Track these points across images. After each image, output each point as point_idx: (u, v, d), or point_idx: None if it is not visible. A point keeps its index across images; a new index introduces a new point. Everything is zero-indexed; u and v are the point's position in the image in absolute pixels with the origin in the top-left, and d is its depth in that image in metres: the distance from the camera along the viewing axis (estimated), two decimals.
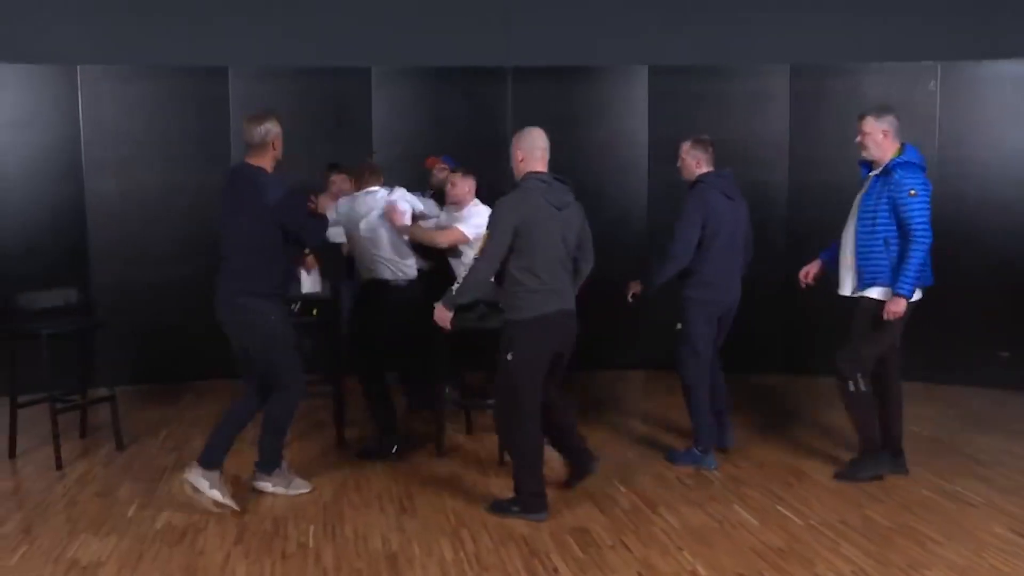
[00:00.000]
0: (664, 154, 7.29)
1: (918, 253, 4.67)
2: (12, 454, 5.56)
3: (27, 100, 6.98)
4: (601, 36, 7.80)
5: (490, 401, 4.95)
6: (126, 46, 7.39)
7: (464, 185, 5.75)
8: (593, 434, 5.87)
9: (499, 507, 4.58)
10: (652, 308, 7.27)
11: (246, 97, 7.32)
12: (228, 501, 4.62)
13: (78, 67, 7.06)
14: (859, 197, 4.97)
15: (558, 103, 7.51)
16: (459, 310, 4.63)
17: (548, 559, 4.05)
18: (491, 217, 4.43)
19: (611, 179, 7.53)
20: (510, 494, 4.61)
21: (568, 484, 4.87)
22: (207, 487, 4.59)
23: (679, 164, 5.33)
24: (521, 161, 4.45)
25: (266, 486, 4.86)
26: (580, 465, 4.82)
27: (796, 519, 4.47)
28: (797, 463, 5.32)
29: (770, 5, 7.80)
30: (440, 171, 6.44)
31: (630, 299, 5.35)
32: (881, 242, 4.78)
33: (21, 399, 5.51)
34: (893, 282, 4.72)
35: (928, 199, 4.73)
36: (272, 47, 7.56)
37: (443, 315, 4.49)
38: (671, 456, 5.39)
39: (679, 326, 5.24)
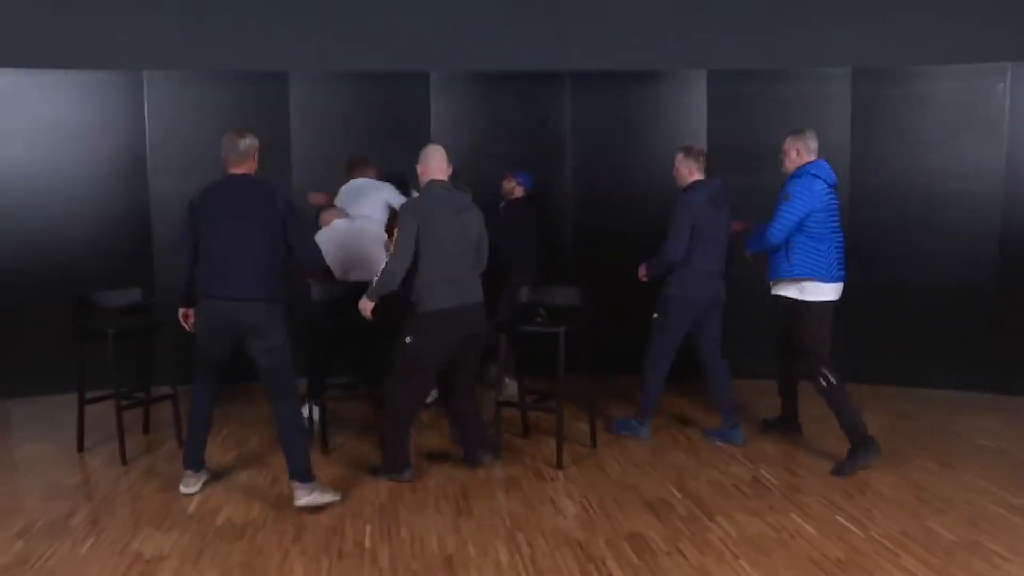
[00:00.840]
0: (723, 159, 7.26)
1: (762, 243, 5.47)
2: (80, 448, 5.72)
3: (95, 105, 7.15)
4: (659, 40, 7.76)
5: (550, 404, 5.15)
6: (190, 52, 7.53)
7: None
8: (650, 439, 5.86)
9: (373, 470, 5.17)
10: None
11: (306, 102, 7.43)
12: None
13: (144, 73, 7.23)
14: None
15: (616, 107, 7.49)
16: (521, 317, 5.06)
17: (603, 564, 4.04)
18: (398, 220, 4.99)
19: (669, 184, 7.44)
20: (565, 496, 4.64)
21: (464, 462, 5.35)
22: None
23: (673, 172, 5.81)
24: (422, 174, 5.11)
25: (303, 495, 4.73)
26: (469, 451, 5.33)
27: (856, 530, 4.40)
28: (857, 472, 5.23)
29: (831, 7, 7.68)
30: (507, 182, 6.93)
31: (642, 278, 5.86)
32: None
33: (89, 395, 5.66)
34: (786, 273, 5.43)
35: (800, 208, 5.35)
36: (332, 52, 7.64)
37: (366, 306, 5.03)
38: (615, 424, 6.00)
39: (655, 316, 5.77)
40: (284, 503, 4.79)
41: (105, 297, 5.79)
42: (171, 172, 7.16)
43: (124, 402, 5.61)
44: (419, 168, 5.16)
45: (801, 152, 5.55)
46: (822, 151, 6.45)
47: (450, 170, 5.16)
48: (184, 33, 7.55)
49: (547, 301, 5.92)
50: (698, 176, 5.74)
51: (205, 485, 5.05)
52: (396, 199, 6.51)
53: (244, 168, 4.80)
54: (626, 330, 7.30)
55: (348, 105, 7.48)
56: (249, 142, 4.80)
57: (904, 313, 7.19)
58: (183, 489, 4.95)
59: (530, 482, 5.12)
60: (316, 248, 4.98)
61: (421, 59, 7.60)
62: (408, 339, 4.94)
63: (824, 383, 5.29)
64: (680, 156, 5.76)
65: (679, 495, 4.90)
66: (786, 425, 5.95)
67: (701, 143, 7.34)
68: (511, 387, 6.37)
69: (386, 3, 7.74)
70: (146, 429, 6.07)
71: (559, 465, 5.32)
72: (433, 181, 5.08)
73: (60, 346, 6.32)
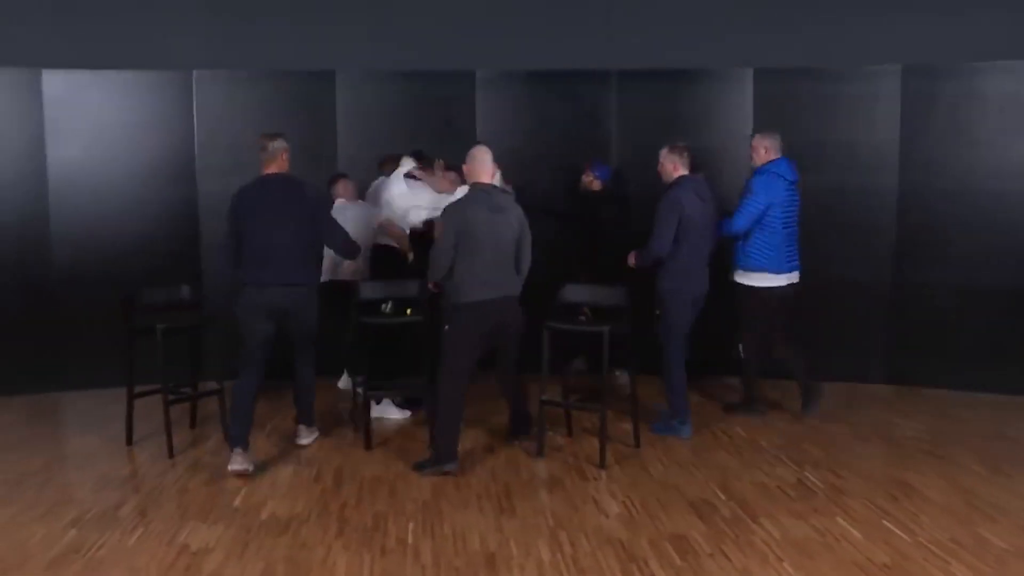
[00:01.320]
0: None
1: (727, 232, 6.05)
2: (129, 441, 5.81)
3: (147, 105, 7.26)
4: (705, 38, 7.70)
5: (594, 403, 5.19)
6: (237, 52, 7.62)
7: (445, 180, 6.40)
8: (693, 439, 5.82)
9: (419, 467, 5.25)
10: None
11: (353, 100, 7.47)
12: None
13: (193, 72, 7.33)
14: None
15: (662, 106, 7.44)
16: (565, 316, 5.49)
17: (646, 565, 4.02)
18: (442, 218, 5.34)
19: (715, 183, 7.40)
20: (608, 495, 4.65)
21: (508, 438, 5.72)
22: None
23: (659, 168, 5.95)
24: (468, 174, 5.34)
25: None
26: (515, 425, 5.72)
27: (903, 535, 4.34)
28: (903, 476, 5.16)
29: (880, 4, 7.57)
30: (586, 175, 7.17)
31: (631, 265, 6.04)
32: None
33: (137, 390, 5.76)
34: (742, 264, 6.11)
35: (762, 201, 5.98)
36: (378, 51, 7.69)
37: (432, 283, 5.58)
38: (654, 426, 5.97)
39: (658, 312, 5.88)
40: (329, 498, 4.85)
41: (149, 294, 5.89)
42: (218, 171, 7.23)
43: (171, 397, 5.70)
44: (465, 168, 5.38)
45: (768, 150, 6.07)
46: (870, 149, 6.46)
47: (496, 171, 5.32)
48: (232, 33, 7.65)
49: (591, 300, 5.93)
50: (683, 171, 5.86)
51: (251, 474, 5.15)
52: (400, 189, 6.38)
53: (275, 167, 5.35)
54: None
55: (394, 103, 7.51)
56: (277, 144, 5.35)
57: (954, 315, 7.06)
58: (233, 467, 5.17)
59: (573, 481, 5.11)
60: (345, 236, 5.50)
61: (467, 57, 7.62)
62: (446, 328, 5.28)
63: (742, 354, 6.14)
64: (664, 152, 5.91)
65: (723, 496, 4.86)
66: (748, 406, 6.39)
67: (745, 141, 7.29)
68: (622, 378, 6.53)
69: (432, 2, 7.77)
70: (192, 423, 6.16)
71: (602, 464, 5.31)
72: (476, 184, 5.29)
73: (111, 341, 6.43)
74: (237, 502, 4.81)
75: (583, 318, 5.56)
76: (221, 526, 4.49)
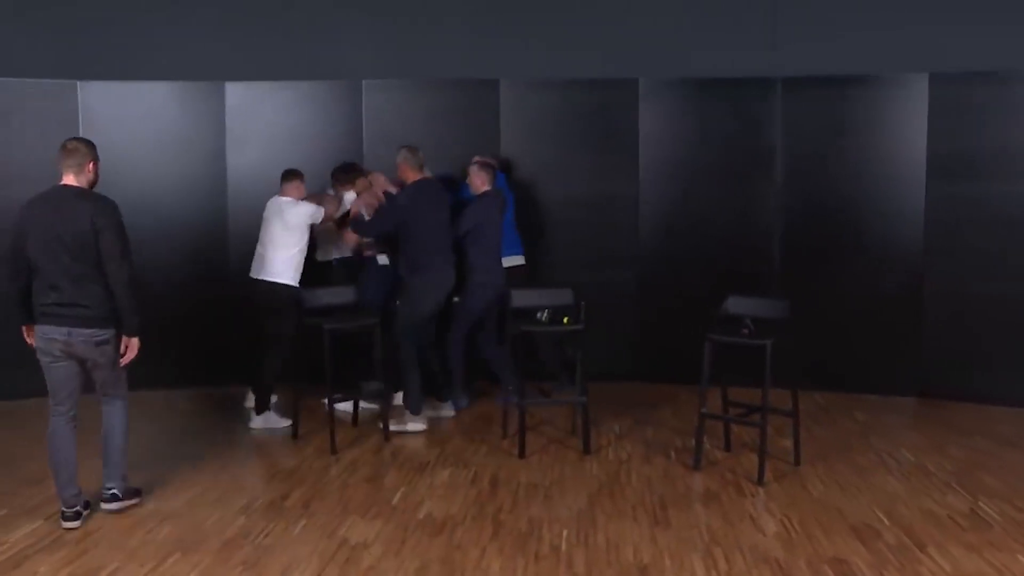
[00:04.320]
0: (945, 168, 6.87)
1: None
2: (295, 435, 6.08)
3: (317, 113, 7.57)
4: (875, 43, 7.37)
5: (754, 417, 5.07)
6: (404, 61, 7.85)
7: (476, 178, 6.59)
8: (856, 460, 5.60)
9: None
10: (934, 334, 6.90)
11: (516, 108, 7.56)
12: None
13: (363, 82, 7.59)
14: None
15: (829, 114, 7.19)
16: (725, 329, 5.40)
17: None
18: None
19: (884, 193, 7.13)
20: (765, 512, 4.58)
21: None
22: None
23: (467, 181, 6.55)
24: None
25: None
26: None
27: None
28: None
29: None
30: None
31: None
32: None
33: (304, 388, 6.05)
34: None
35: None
36: (542, 59, 7.76)
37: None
38: None
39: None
40: (485, 501, 4.92)
41: (316, 296, 6.13)
42: (386, 174, 7.43)
43: (336, 396, 5.92)
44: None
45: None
46: None
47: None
48: (399, 43, 7.88)
49: (753, 312, 5.78)
50: (488, 187, 6.48)
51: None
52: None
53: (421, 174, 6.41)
54: (835, 345, 7.07)
55: (557, 111, 7.56)
56: (420, 154, 6.46)
57: (987, 325, 6.72)
58: (412, 427, 6.12)
59: (730, 496, 5.01)
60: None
61: (630, 65, 7.59)
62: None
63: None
64: (474, 168, 6.54)
65: (887, 522, 4.65)
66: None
67: (919, 150, 6.96)
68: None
69: (595, 10, 7.78)
70: (355, 421, 6.37)
71: (760, 481, 5.18)
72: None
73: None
74: (396, 500, 4.95)
75: (746, 331, 5.43)
76: (380, 522, 4.63)
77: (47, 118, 7.11)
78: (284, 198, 6.39)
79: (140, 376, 5.04)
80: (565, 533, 4.49)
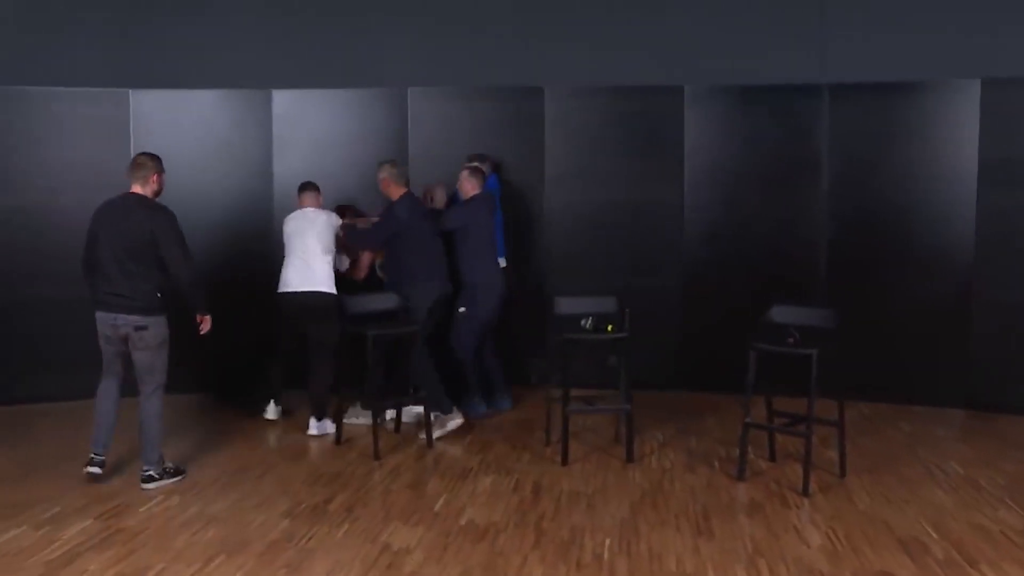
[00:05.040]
0: (997, 175, 6.75)
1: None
2: (338, 441, 6.13)
3: (364, 121, 7.65)
4: (926, 48, 7.25)
5: (799, 428, 5.02)
6: (449, 69, 7.89)
7: (467, 183, 6.73)
8: (903, 472, 5.51)
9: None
10: (983, 344, 6.78)
11: (561, 116, 7.57)
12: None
13: (408, 89, 7.64)
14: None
15: (878, 120, 7.10)
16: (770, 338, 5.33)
17: None
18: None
19: (933, 201, 7.02)
20: (810, 524, 4.52)
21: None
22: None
23: (457, 185, 6.74)
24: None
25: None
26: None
27: None
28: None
29: None
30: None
31: None
32: None
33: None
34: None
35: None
36: (587, 67, 7.76)
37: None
38: None
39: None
40: (527, 509, 4.91)
41: (361, 303, 6.19)
42: (433, 181, 7.46)
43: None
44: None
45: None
46: None
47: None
48: (444, 51, 7.93)
49: (798, 321, 5.72)
50: (477, 191, 6.64)
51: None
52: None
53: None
54: (881, 355, 6.97)
55: (601, 118, 7.55)
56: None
57: None
58: (451, 425, 6.31)
59: (774, 507, 4.95)
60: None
61: (676, 73, 7.56)
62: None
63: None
64: (465, 174, 6.71)
65: (935, 535, 4.57)
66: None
67: (971, 157, 6.84)
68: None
69: (640, 17, 7.76)
70: (397, 428, 6.40)
71: (805, 492, 5.12)
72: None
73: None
74: (438, 506, 4.96)
75: (791, 340, 5.37)
76: (422, 528, 4.64)
77: (100, 126, 7.29)
78: (309, 209, 6.54)
79: (185, 380, 5.19)
80: (608, 542, 4.47)
